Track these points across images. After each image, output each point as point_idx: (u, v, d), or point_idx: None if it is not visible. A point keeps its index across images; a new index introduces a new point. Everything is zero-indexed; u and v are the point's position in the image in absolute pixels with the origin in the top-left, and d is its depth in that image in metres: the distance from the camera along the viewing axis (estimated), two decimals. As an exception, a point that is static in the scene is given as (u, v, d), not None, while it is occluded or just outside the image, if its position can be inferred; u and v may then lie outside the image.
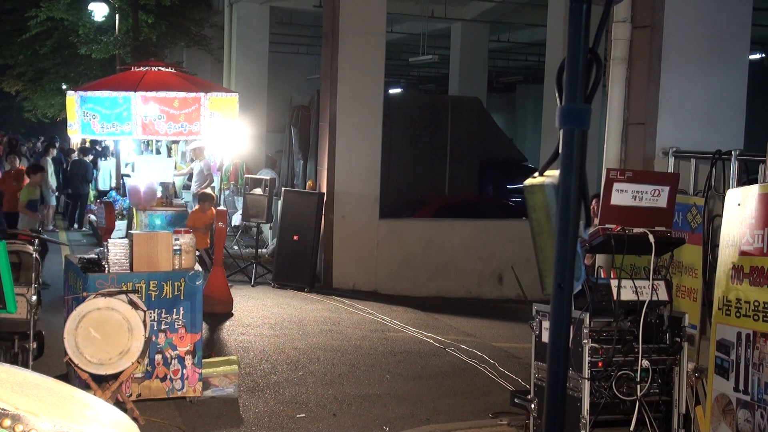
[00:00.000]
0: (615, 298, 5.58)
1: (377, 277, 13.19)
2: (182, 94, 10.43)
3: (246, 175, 16.06)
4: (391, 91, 25.54)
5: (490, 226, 14.22)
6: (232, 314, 11.21)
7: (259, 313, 11.39)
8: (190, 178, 17.15)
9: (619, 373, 5.57)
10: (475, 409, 7.73)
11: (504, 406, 7.29)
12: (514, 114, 36.93)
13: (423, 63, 26.48)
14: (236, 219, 16.96)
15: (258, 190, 14.03)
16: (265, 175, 15.85)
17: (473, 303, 12.81)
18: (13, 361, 6.76)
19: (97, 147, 26.22)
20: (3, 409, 2.50)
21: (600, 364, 5.56)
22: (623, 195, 5.69)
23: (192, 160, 17.04)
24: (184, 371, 7.38)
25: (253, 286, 13.24)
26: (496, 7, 21.27)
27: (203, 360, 7.58)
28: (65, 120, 10.56)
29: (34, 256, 7.07)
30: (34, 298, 6.87)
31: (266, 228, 16.06)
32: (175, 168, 16.54)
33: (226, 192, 18.35)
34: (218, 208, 12.59)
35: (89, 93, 10.67)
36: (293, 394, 7.90)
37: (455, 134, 17.38)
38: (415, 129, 17.23)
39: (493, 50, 25.66)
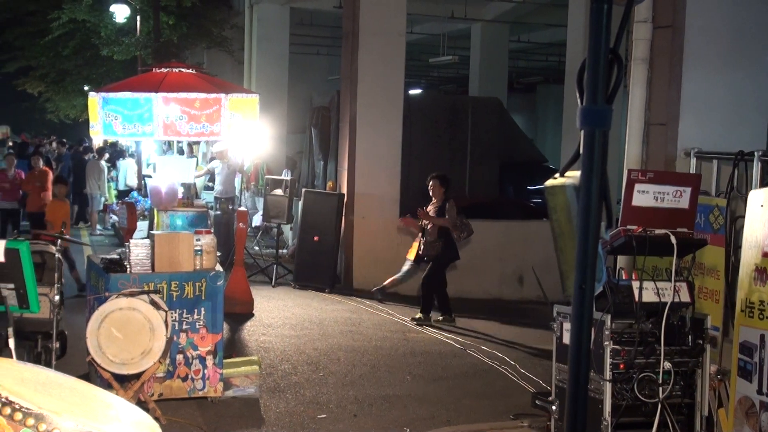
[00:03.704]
0: (636, 299, 5.55)
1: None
2: (203, 95, 10.45)
3: (266, 176, 16.10)
4: (411, 91, 25.50)
5: (511, 227, 14.18)
6: (252, 315, 11.24)
7: (280, 314, 11.41)
8: (211, 179, 17.21)
9: (640, 375, 5.54)
10: (495, 410, 7.71)
11: (525, 408, 7.27)
12: (535, 115, 36.82)
13: (443, 64, 26.45)
14: (257, 220, 17.01)
15: (278, 191, 14.07)
16: (286, 176, 15.90)
17: (493, 304, 12.77)
18: (36, 360, 6.81)
19: (117, 147, 26.38)
20: (27, 408, 2.52)
21: (622, 366, 5.53)
22: (645, 196, 5.66)
23: (212, 159, 17.11)
24: (206, 371, 7.41)
25: (273, 286, 13.27)
26: (516, 7, 21.21)
27: (224, 360, 7.60)
28: (87, 121, 10.61)
29: (56, 256, 7.12)
30: (57, 298, 6.92)
31: (287, 229, 16.10)
32: (196, 169, 16.60)
33: (247, 193, 18.40)
34: (239, 208, 12.61)
35: (111, 94, 10.71)
36: (314, 395, 7.91)
37: (475, 135, 17.34)
38: (436, 130, 17.20)
39: (513, 51, 25.59)
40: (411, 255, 11.71)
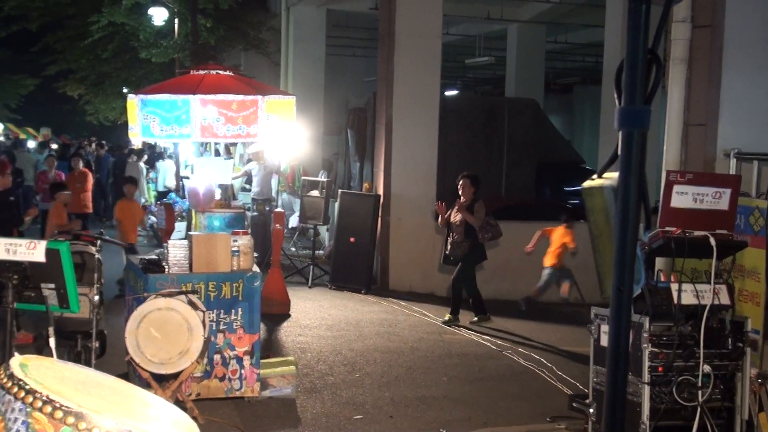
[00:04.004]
0: (675, 302, 5.50)
1: (434, 279, 13.16)
2: (240, 97, 10.50)
3: (303, 178, 16.15)
4: (447, 93, 25.47)
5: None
6: (289, 315, 11.29)
7: (316, 315, 11.45)
8: (248, 181, 17.29)
9: (680, 379, 5.49)
10: (532, 412, 7.68)
11: (562, 410, 7.23)
12: (572, 115, 36.60)
13: (479, 65, 26.38)
14: (293, 221, 17.07)
15: (315, 192, 14.11)
16: (323, 177, 15.94)
17: (530, 306, 12.71)
18: (76, 359, 6.88)
19: (156, 149, 26.58)
20: (67, 407, 2.54)
21: (660, 369, 5.48)
22: (683, 197, 5.61)
23: (249, 161, 17.19)
24: (243, 371, 7.45)
25: (310, 287, 13.32)
26: (553, 8, 21.10)
27: (261, 360, 7.64)
28: (126, 123, 10.71)
29: (96, 257, 7.19)
30: (97, 298, 7.00)
31: (323, 230, 16.14)
32: (233, 170, 16.69)
33: (284, 194, 18.47)
34: (276, 209, 12.67)
35: (149, 96, 10.80)
36: (350, 396, 7.92)
37: (512, 136, 17.27)
38: (472, 131, 17.16)
39: (549, 51, 25.46)
40: (547, 262, 12.12)
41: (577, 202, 19.04)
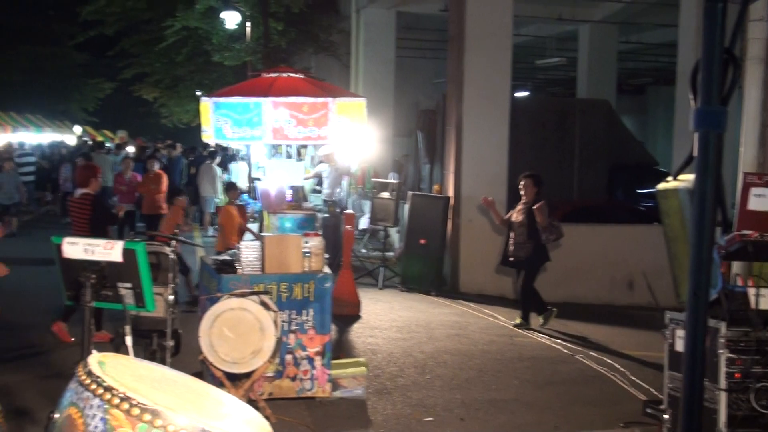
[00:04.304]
0: (753, 306, 5.38)
1: (504, 282, 13.09)
2: (311, 99, 10.57)
3: (373, 179, 16.20)
4: (518, 94, 25.32)
5: (620, 231, 13.92)
6: (360, 317, 11.33)
7: (387, 316, 11.47)
8: (320, 183, 17.42)
9: (758, 385, 5.36)
10: (605, 418, 7.58)
11: (635, 416, 7.13)
12: (645, 116, 36.04)
13: (550, 66, 26.18)
14: (364, 223, 17.14)
15: (385, 194, 14.14)
16: (393, 179, 15.97)
17: (602, 309, 12.56)
18: (151, 358, 7.01)
19: (229, 151, 26.92)
20: (143, 405, 2.59)
21: (737, 376, 5.37)
22: (761, 200, 5.49)
23: (320, 163, 17.31)
24: (314, 372, 7.50)
25: (380, 289, 13.35)
26: (626, 7, 20.82)
27: (332, 361, 7.68)
28: (199, 125, 10.86)
29: (171, 257, 7.32)
30: (171, 297, 7.12)
31: (393, 231, 16.17)
32: (304, 172, 16.82)
33: (354, 196, 18.57)
34: (346, 211, 12.73)
35: (222, 99, 10.94)
36: (421, 398, 7.92)
37: (584, 138, 17.09)
38: (543, 132, 17.03)
39: (622, 52, 25.11)
40: None
41: (651, 204, 18.78)
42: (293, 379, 7.48)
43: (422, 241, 13.37)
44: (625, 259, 13.32)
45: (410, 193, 14.61)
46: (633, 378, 8.74)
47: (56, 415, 2.79)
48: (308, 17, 24.76)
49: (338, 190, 16.43)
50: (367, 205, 16.89)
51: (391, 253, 15.60)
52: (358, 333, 10.50)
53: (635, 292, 13.17)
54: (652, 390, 8.20)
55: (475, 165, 13.44)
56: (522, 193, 11.14)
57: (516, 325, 11.04)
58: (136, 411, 2.58)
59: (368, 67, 21.37)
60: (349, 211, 12.88)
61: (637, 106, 36.37)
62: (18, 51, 49.95)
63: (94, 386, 2.67)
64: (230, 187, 12.26)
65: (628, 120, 29.05)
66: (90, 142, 37.20)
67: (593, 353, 9.83)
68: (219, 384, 6.34)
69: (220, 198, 21.40)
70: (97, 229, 9.22)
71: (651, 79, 34.24)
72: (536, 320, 11.15)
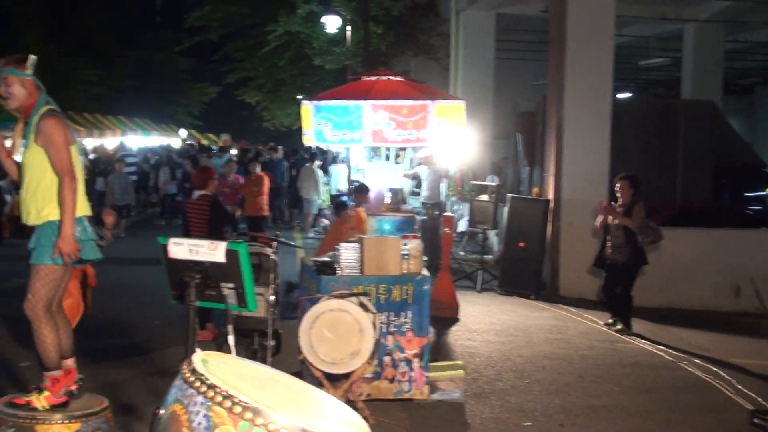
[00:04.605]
0: None
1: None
2: (410, 102, 10.61)
3: (472, 182, 16.15)
4: (620, 95, 24.87)
5: (726, 235, 13.54)
6: (458, 319, 11.31)
7: (485, 319, 11.42)
8: (418, 185, 17.46)
9: None
10: (708, 426, 7.39)
11: (740, 426, 6.93)
12: (753, 117, 34.97)
13: (653, 66, 25.64)
14: (462, 225, 17.10)
15: (484, 197, 14.09)
16: (491, 181, 15.89)
17: (707, 316, 12.24)
18: (252, 357, 7.12)
19: (330, 154, 27.22)
20: (245, 403, 2.64)
21: None
22: None
23: (419, 165, 17.34)
24: (412, 374, 7.51)
25: (479, 292, 13.30)
26: (733, 5, 20.24)
27: (430, 363, 7.68)
28: (300, 128, 11.01)
29: (272, 258, 7.44)
30: (272, 298, 7.23)
31: (492, 234, 16.09)
32: (403, 175, 16.88)
33: (453, 198, 18.54)
34: (445, 213, 12.72)
35: (323, 102, 11.07)
36: (519, 402, 7.86)
37: (688, 139, 16.70)
38: (645, 134, 16.70)
39: (729, 51, 24.43)
40: None
41: (759, 208, 18.24)
42: (391, 380, 7.51)
43: (521, 245, 13.27)
44: (732, 265, 12.94)
45: (509, 195, 14.51)
46: (739, 386, 8.49)
47: (162, 412, 2.87)
48: (408, 20, 24.86)
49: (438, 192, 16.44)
50: (465, 208, 16.84)
51: (489, 256, 15.52)
52: (456, 336, 10.48)
53: (742, 299, 12.78)
54: (759, 399, 7.95)
55: (576, 167, 13.26)
56: (618, 195, 10.96)
57: (617, 330, 10.85)
58: (238, 409, 2.63)
59: (467, 69, 21.31)
60: (448, 213, 12.86)
61: (745, 107, 35.33)
62: (127, 57, 51.53)
63: (198, 384, 2.74)
64: (360, 191, 12.28)
65: (735, 121, 28.27)
66: (196, 145, 38.15)
67: (697, 360, 9.58)
68: (318, 384, 6.41)
69: (322, 200, 21.65)
70: (214, 230, 9.44)
71: (759, 79, 33.21)
72: (640, 326, 10.94)
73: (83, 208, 5.78)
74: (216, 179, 10.45)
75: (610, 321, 11.06)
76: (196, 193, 10.15)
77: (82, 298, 7.65)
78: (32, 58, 5.78)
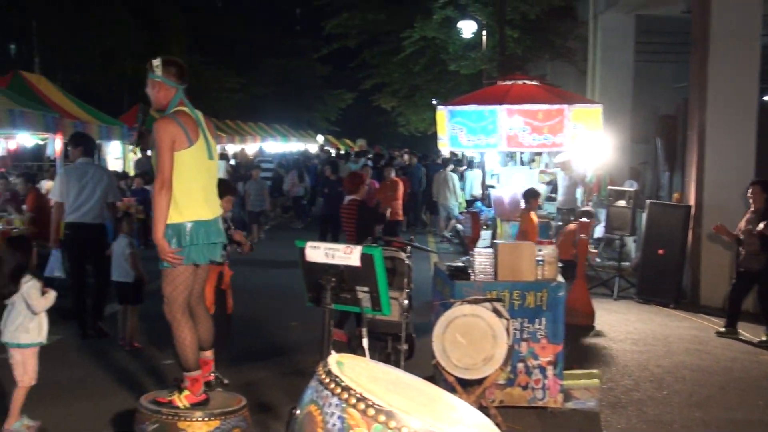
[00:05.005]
0: None
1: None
2: (546, 107, 10.51)
3: (609, 187, 15.85)
4: (767, 98, 23.88)
5: None
6: (593, 327, 11.11)
7: (622, 328, 11.18)
8: (554, 191, 17.25)
9: None
10: None
11: None
12: None
13: (804, 66, 24.50)
14: (599, 231, 16.79)
15: (621, 202, 13.80)
16: (629, 186, 15.55)
17: None
18: (386, 360, 7.18)
19: (464, 159, 27.19)
20: (378, 405, 2.68)
21: None
22: None
23: (555, 168, 17.14)
24: (546, 381, 7.43)
25: (615, 299, 13.03)
26: None
27: (564, 371, 7.58)
28: (435, 134, 11.06)
29: (406, 262, 7.49)
30: (406, 302, 7.28)
31: (630, 241, 15.74)
32: (539, 180, 16.70)
33: (589, 204, 18.24)
34: (581, 219, 12.53)
35: (457, 107, 11.10)
36: (657, 413, 7.65)
37: (841, 142, 15.87)
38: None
39: None
40: None
41: None
42: (524, 387, 7.44)
43: (660, 252, 12.93)
44: None
45: (648, 201, 14.16)
46: None
47: (297, 412, 2.94)
48: (544, 24, 24.61)
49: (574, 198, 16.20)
50: (602, 214, 16.54)
51: (627, 263, 15.18)
52: (591, 344, 10.30)
53: None
54: None
55: (719, 172, 12.83)
56: (751, 200, 10.57)
57: (762, 342, 10.44)
58: (371, 411, 2.66)
59: (605, 72, 20.91)
60: (584, 219, 12.65)
61: None
62: (266, 65, 52.91)
63: (332, 385, 2.79)
64: (532, 195, 12.25)
65: None
66: (332, 152, 38.80)
67: None
68: (451, 389, 6.41)
69: (457, 204, 21.65)
70: (365, 232, 9.61)
71: None
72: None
73: (200, 212, 5.86)
74: (366, 184, 10.64)
75: (723, 330, 10.74)
76: (347, 198, 10.38)
77: (218, 300, 7.90)
78: (157, 60, 5.95)
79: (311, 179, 26.78)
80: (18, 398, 6.43)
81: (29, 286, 6.43)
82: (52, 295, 6.52)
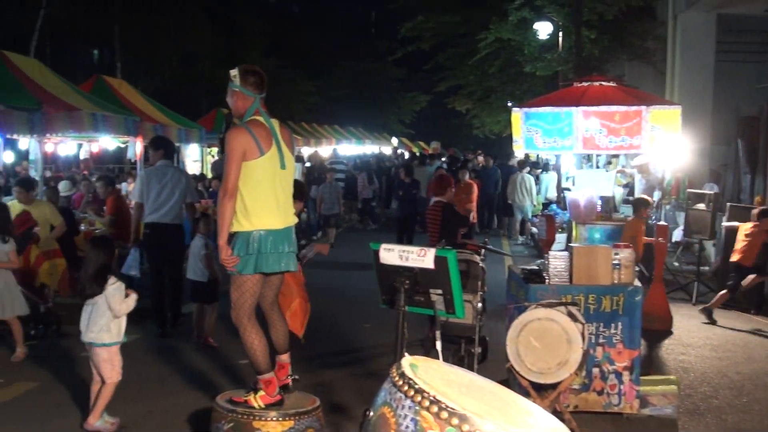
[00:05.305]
0: None
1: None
2: (623, 108, 10.38)
3: (688, 190, 15.57)
4: None
5: None
6: (671, 332, 10.92)
7: (700, 334, 10.96)
8: (630, 193, 17.01)
9: None
10: None
11: None
12: None
13: None
14: (677, 235, 16.49)
15: (701, 206, 13.55)
16: (709, 189, 15.25)
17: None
18: (459, 363, 7.16)
19: (539, 161, 26.99)
20: (452, 408, 2.67)
21: None
22: None
23: (636, 171, 16.90)
24: (621, 387, 7.33)
25: (693, 304, 12.78)
26: None
27: (641, 377, 7.46)
28: (510, 136, 11.00)
29: (480, 265, 7.47)
30: (480, 305, 7.26)
31: (709, 245, 15.43)
32: (615, 183, 16.50)
33: (667, 206, 17.92)
34: (659, 223, 12.32)
35: (533, 109, 11.03)
36: (736, 422, 7.49)
37: None
38: None
39: None
40: None
41: None
42: (600, 393, 7.35)
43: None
44: None
45: (729, 204, 13.87)
46: None
47: (371, 413, 2.95)
48: (622, 24, 24.28)
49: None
50: (681, 217, 16.25)
51: (706, 268, 14.88)
52: (668, 349, 10.12)
53: None
54: None
55: (803, 175, 12.51)
56: None
57: None
58: (444, 414, 2.66)
59: (685, 73, 20.54)
60: (662, 222, 12.44)
61: None
62: (342, 68, 53.24)
63: (406, 388, 2.79)
64: (642, 204, 12.18)
65: None
66: (407, 154, 38.84)
67: None
68: (525, 393, 6.37)
69: (534, 206, 21.48)
70: (448, 234, 9.63)
71: None
72: None
73: (269, 221, 5.91)
74: (453, 187, 10.64)
75: None
76: (433, 199, 10.43)
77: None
78: (235, 70, 6.05)
79: (385, 181, 26.85)
80: (106, 395, 6.58)
81: (114, 288, 6.57)
82: (133, 299, 6.65)
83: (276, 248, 5.92)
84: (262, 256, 5.87)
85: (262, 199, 5.87)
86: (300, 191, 7.58)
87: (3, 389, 7.72)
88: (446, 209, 10.18)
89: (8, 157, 21.28)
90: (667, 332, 10.88)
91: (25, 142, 17.26)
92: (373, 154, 38.73)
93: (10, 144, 19.55)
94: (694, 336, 10.80)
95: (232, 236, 5.89)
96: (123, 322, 6.69)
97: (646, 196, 13.40)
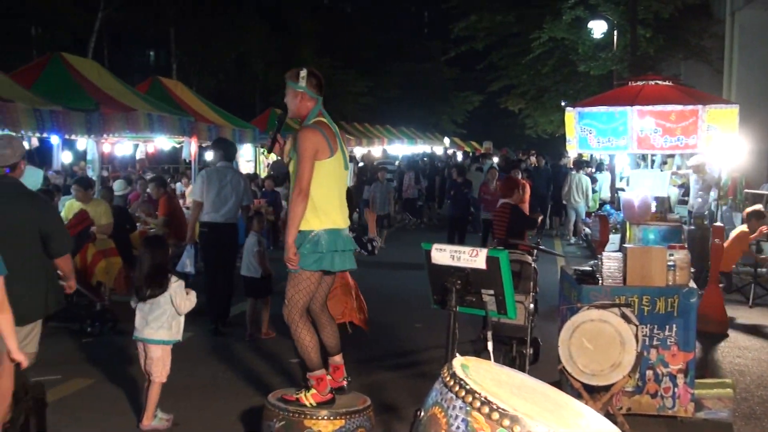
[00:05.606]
0: None
1: None
2: (679, 107, 10.23)
3: (745, 191, 15.31)
4: None
5: None
6: (727, 335, 10.75)
7: (758, 337, 10.78)
8: (686, 194, 16.78)
9: None
10: None
11: None
12: None
13: None
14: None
15: (759, 206, 13.33)
16: (767, 190, 14.98)
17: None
18: (510, 364, 7.14)
19: (594, 161, 26.74)
20: (503, 409, 2.66)
21: None
22: None
23: (688, 170, 16.66)
24: (676, 390, 7.24)
25: (750, 306, 12.57)
26: None
27: (696, 380, 7.36)
28: (563, 136, 10.92)
29: (532, 266, 7.43)
30: (532, 306, 7.22)
31: (766, 247, 15.15)
32: (670, 183, 16.27)
33: (724, 207, 17.64)
34: (715, 224, 12.14)
35: (586, 109, 10.92)
36: (795, 426, 7.36)
37: None
38: None
39: None
40: None
41: None
42: (653, 395, 7.27)
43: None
44: None
45: (787, 205, 13.62)
46: None
47: (422, 413, 2.95)
48: (678, 22, 23.97)
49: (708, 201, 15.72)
50: (738, 218, 15.98)
51: (764, 270, 14.62)
52: (724, 352, 9.97)
53: None
54: None
55: None
56: None
57: None
58: (496, 415, 2.65)
59: (743, 71, 20.22)
60: (718, 223, 12.24)
61: None
62: (394, 68, 53.28)
63: (457, 388, 2.79)
64: (754, 216, 12.21)
65: None
66: (459, 154, 38.74)
67: None
68: (577, 395, 6.32)
69: (588, 206, 21.28)
70: (516, 236, 9.62)
71: None
72: None
73: (336, 219, 5.97)
74: (518, 193, 10.63)
75: None
76: (500, 201, 10.47)
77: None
78: (303, 71, 6.09)
79: (438, 181, 26.79)
80: (154, 395, 6.65)
81: (177, 285, 6.64)
82: (193, 296, 6.73)
83: (345, 246, 6.00)
84: (329, 254, 5.92)
85: (331, 198, 5.95)
86: (350, 199, 7.65)
87: (60, 385, 7.86)
88: (513, 211, 10.18)
89: (66, 158, 21.70)
90: (723, 335, 10.72)
91: (82, 142, 17.59)
92: (424, 154, 38.68)
93: (69, 144, 19.93)
94: (751, 339, 10.62)
95: (300, 234, 5.92)
96: (182, 321, 6.77)
97: (760, 207, 13.33)
